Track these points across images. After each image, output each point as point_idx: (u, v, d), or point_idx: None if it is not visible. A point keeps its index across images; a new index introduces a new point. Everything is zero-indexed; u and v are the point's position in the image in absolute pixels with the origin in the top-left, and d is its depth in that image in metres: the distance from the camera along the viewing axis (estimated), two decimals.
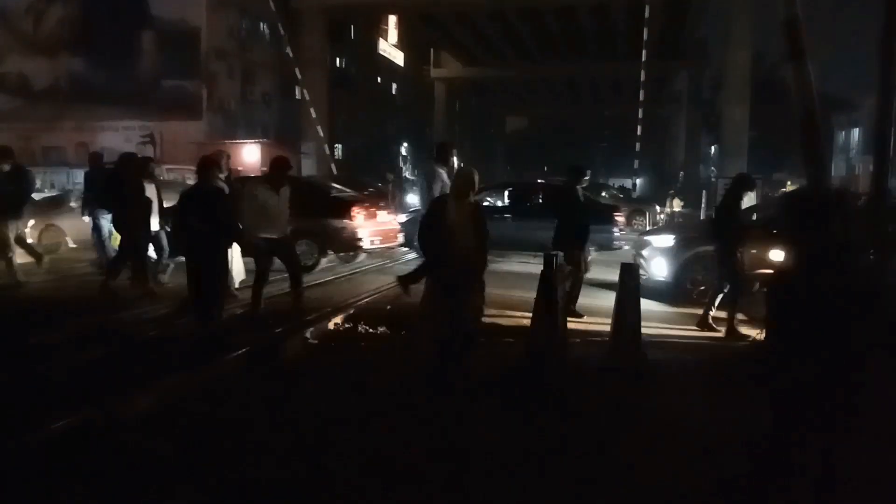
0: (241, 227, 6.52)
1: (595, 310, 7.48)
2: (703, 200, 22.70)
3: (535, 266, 10.58)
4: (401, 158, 48.34)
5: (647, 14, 23.07)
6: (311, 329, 6.54)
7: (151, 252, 8.42)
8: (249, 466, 3.65)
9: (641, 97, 23.70)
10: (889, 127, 4.90)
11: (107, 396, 4.45)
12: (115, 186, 8.21)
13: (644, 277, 7.53)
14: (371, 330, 6.67)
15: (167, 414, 4.35)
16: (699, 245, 8.39)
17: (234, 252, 7.03)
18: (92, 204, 9.34)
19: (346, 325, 6.87)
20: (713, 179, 27.06)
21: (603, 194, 21.64)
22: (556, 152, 63.71)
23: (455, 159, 7.46)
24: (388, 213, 12.90)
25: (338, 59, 38.61)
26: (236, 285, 7.81)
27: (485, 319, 5.57)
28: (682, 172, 39.01)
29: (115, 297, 7.75)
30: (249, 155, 22.53)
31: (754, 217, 8.07)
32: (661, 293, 8.40)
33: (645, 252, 9.08)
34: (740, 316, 6.83)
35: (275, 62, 32.21)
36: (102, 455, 3.68)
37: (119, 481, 3.42)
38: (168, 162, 20.20)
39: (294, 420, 4.35)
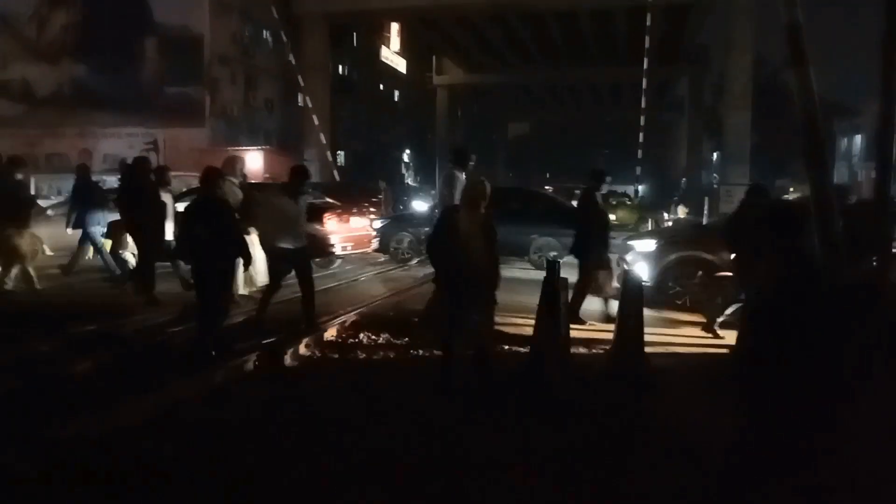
0: (249, 235, 6.48)
1: (596, 314, 7.48)
2: (706, 207, 22.68)
3: (536, 272, 10.64)
4: (403, 164, 48.38)
5: (648, 21, 23.09)
6: (313, 336, 6.54)
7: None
8: (250, 468, 3.65)
9: (643, 104, 23.71)
10: (891, 133, 4.88)
11: (108, 401, 4.46)
12: (133, 192, 8.16)
13: None
14: (373, 336, 6.66)
15: (167, 418, 4.35)
16: (680, 250, 8.51)
17: (258, 254, 6.98)
18: (82, 215, 9.29)
19: (348, 332, 6.86)
20: (715, 186, 27.04)
21: (611, 201, 21.64)
22: (557, 158, 63.81)
23: (473, 164, 7.35)
24: (364, 218, 13.03)
25: (340, 66, 38.71)
26: (241, 290, 7.81)
27: None
28: (684, 179, 39.01)
29: (157, 302, 7.72)
30: (252, 161, 22.50)
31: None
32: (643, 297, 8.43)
33: (628, 256, 9.10)
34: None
35: (277, 69, 32.29)
36: (103, 459, 3.68)
37: (120, 484, 3.42)
38: (171, 169, 20.15)
39: (295, 422, 4.35)
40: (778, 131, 34.70)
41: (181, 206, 7.32)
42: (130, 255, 8.93)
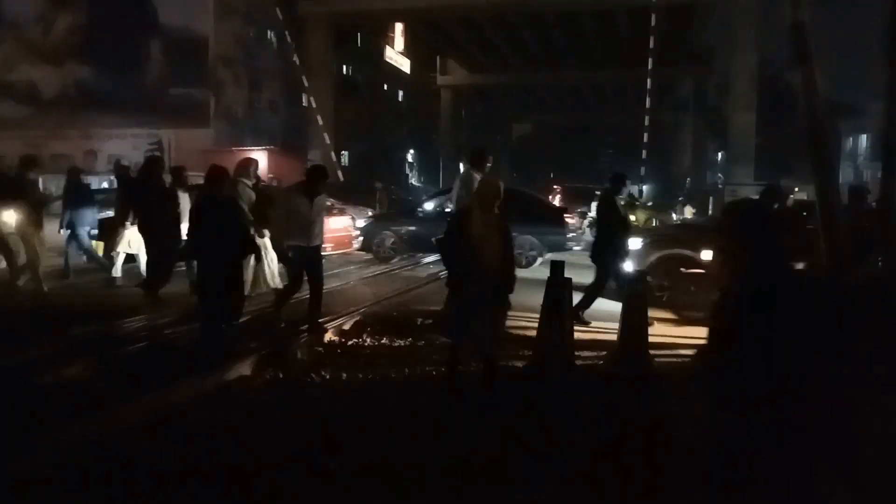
0: (259, 236, 6.48)
1: (599, 315, 7.46)
2: (710, 207, 22.60)
3: (527, 271, 10.58)
4: (407, 165, 48.38)
5: (652, 21, 23.04)
6: (316, 336, 6.54)
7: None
8: (251, 469, 3.65)
9: (647, 104, 23.64)
10: None
11: (110, 403, 4.46)
12: (145, 192, 8.17)
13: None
14: (378, 337, 6.66)
15: (169, 419, 4.35)
16: (666, 248, 8.49)
17: (272, 256, 6.95)
18: (73, 216, 9.32)
19: (352, 332, 6.86)
20: (720, 186, 26.95)
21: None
22: (561, 159, 63.73)
23: (490, 165, 7.27)
24: (345, 217, 13.12)
25: (344, 67, 38.72)
26: (257, 288, 7.81)
27: None
28: (689, 179, 38.92)
29: (162, 303, 7.74)
30: None
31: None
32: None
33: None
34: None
35: (281, 70, 32.34)
36: (104, 460, 3.68)
37: (121, 485, 3.42)
38: (187, 169, 20.20)
39: (297, 423, 4.34)
40: (783, 131, 34.63)
41: None
42: (122, 254, 8.99)
